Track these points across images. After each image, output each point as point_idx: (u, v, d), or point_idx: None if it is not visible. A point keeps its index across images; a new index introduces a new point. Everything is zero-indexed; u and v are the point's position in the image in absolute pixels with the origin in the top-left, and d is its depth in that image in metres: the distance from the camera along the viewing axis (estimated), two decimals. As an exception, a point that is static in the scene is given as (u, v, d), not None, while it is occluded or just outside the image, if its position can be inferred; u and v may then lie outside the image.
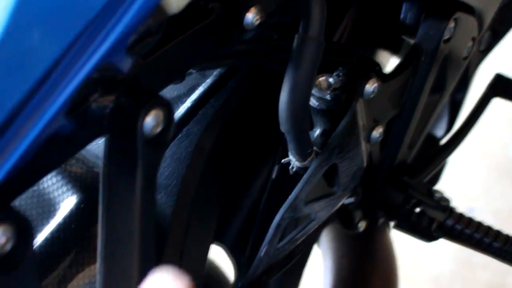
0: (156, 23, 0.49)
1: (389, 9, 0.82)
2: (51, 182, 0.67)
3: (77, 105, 0.48)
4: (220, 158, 0.75)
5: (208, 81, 0.74)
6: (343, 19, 0.78)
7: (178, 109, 0.73)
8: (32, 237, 0.44)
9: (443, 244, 1.73)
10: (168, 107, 0.52)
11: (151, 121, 0.50)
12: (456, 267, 1.64)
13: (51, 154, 0.48)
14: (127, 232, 0.52)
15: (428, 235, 0.85)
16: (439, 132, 1.09)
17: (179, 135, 0.72)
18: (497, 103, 1.02)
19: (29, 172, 0.47)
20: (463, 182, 1.73)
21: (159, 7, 0.48)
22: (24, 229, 0.43)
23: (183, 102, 0.74)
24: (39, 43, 0.42)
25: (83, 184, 0.67)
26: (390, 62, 1.17)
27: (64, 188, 0.66)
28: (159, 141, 0.52)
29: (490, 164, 1.77)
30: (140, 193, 0.52)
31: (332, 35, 0.78)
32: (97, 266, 0.52)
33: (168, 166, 0.71)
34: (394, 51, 1.03)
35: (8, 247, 0.43)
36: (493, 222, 1.54)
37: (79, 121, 0.49)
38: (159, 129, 0.51)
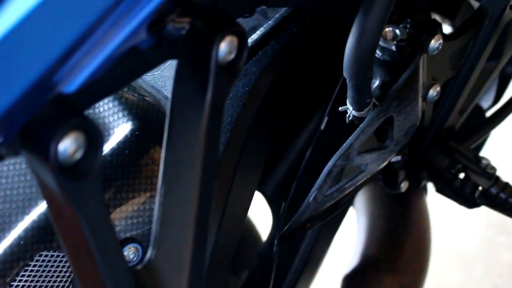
0: None
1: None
2: (107, 107, 0.67)
3: (156, 22, 0.48)
4: (274, 102, 0.74)
5: (270, 23, 0.73)
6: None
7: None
8: (101, 147, 0.44)
9: (469, 223, 1.72)
10: (243, 35, 0.51)
11: (225, 47, 0.50)
12: (480, 247, 1.64)
13: (127, 68, 0.48)
14: (191, 157, 0.52)
15: (470, 201, 0.85)
16: (485, 103, 1.08)
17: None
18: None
19: (103, 83, 0.46)
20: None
21: None
22: (94, 138, 0.43)
23: (243, 41, 0.73)
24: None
25: (138, 112, 0.67)
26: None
27: (120, 114, 0.66)
28: (231, 69, 0.51)
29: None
30: (208, 120, 0.51)
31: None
32: (158, 188, 0.52)
33: (225, 103, 0.70)
34: (450, 17, 1.01)
35: (79, 155, 0.42)
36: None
37: (157, 39, 0.48)
38: (232, 56, 0.51)
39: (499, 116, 0.97)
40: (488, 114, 1.04)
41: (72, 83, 0.43)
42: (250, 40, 0.73)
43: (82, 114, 0.43)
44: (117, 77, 0.48)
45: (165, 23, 0.49)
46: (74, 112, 0.42)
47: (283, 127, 0.84)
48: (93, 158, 0.43)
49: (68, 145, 0.41)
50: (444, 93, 0.81)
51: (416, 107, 0.72)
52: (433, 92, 0.75)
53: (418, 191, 0.99)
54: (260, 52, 0.72)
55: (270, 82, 0.72)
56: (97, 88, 0.46)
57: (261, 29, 0.74)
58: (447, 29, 1.03)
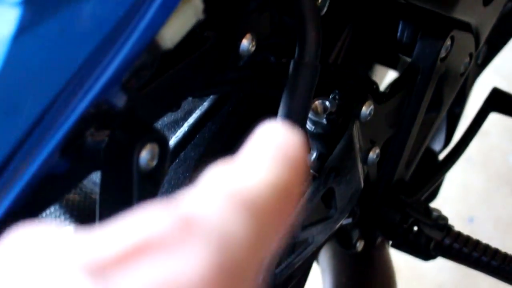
0: (151, 58, 0.49)
1: (385, 28, 0.82)
2: (49, 211, 0.67)
3: (72, 141, 0.48)
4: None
5: (205, 104, 0.74)
6: (338, 40, 0.78)
7: (175, 133, 0.73)
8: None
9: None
10: (163, 140, 0.52)
11: (146, 155, 0.50)
12: (458, 277, 1.64)
13: (48, 191, 0.48)
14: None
15: (426, 254, 0.85)
16: (437, 146, 1.09)
17: (177, 160, 0.72)
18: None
19: (26, 209, 0.47)
20: (463, 191, 1.73)
21: (153, 42, 0.48)
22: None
23: (180, 126, 0.74)
24: (32, 86, 0.42)
25: (81, 213, 0.67)
26: (388, 75, 1.17)
27: (62, 218, 0.66)
28: (155, 175, 0.52)
29: (490, 173, 1.77)
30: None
31: (328, 56, 0.78)
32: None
33: (166, 192, 0.71)
34: (392, 67, 1.03)
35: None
36: (494, 231, 1.55)
37: (75, 157, 0.49)
38: (154, 163, 0.51)
39: (449, 161, 0.98)
40: (441, 156, 1.06)
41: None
42: (186, 124, 0.74)
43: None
44: (41, 200, 0.48)
45: (84, 138, 0.50)
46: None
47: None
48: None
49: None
50: (387, 151, 0.82)
51: (356, 173, 0.73)
52: (373, 154, 0.76)
53: (380, 244, 0.99)
54: (197, 136, 0.73)
55: (210, 164, 0.72)
56: (21, 215, 0.47)
57: (197, 111, 0.74)
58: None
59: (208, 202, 0.28)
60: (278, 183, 0.30)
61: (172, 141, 0.73)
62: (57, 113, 0.44)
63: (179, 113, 0.74)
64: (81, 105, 0.45)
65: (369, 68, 1.04)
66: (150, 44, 0.47)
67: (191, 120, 0.74)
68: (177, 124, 0.74)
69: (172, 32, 0.48)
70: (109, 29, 0.44)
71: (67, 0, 0.41)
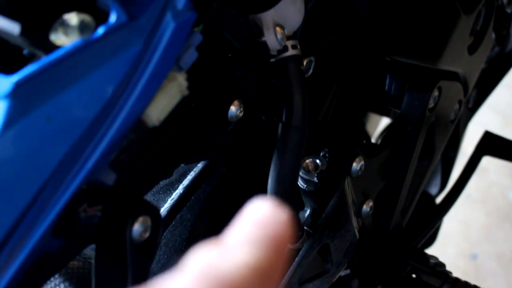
0: (138, 136, 0.51)
1: (373, 82, 0.84)
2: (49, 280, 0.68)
3: (65, 219, 0.50)
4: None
5: (199, 166, 0.76)
6: (327, 97, 0.80)
7: (170, 196, 0.75)
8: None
9: None
10: (155, 212, 0.53)
11: (139, 227, 0.52)
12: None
13: (44, 269, 0.49)
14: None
15: (426, 301, 0.86)
16: (434, 189, 1.11)
17: (173, 222, 0.73)
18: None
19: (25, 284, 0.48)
20: (465, 228, 1.74)
21: (140, 121, 0.50)
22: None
23: (175, 189, 0.75)
24: (23, 173, 0.43)
25: (80, 279, 0.68)
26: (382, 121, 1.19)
27: (62, 286, 0.67)
28: (148, 246, 0.53)
29: (490, 209, 1.78)
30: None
31: (317, 114, 0.79)
32: None
33: (164, 254, 0.72)
34: (385, 114, 1.04)
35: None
36: (497, 266, 1.54)
37: (69, 234, 0.50)
38: (147, 235, 0.53)
39: (445, 205, 0.99)
40: (437, 200, 1.07)
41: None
42: (181, 187, 0.75)
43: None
44: (37, 277, 0.50)
45: (77, 215, 0.51)
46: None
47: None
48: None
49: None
50: (381, 202, 0.83)
51: (351, 227, 0.74)
52: (367, 207, 0.77)
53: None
54: (192, 197, 0.74)
55: (207, 226, 0.74)
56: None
57: (191, 173, 0.76)
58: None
59: (183, 282, 0.30)
60: (257, 265, 0.32)
61: (168, 204, 0.74)
62: (48, 196, 0.46)
63: (174, 176, 0.76)
64: (71, 187, 0.47)
65: (363, 116, 1.05)
66: (136, 124, 0.49)
67: (185, 182, 0.75)
68: (172, 186, 0.76)
69: (158, 111, 0.50)
70: (95, 114, 0.45)
71: (53, 89, 0.43)
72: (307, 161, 0.71)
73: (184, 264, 0.31)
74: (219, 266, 0.31)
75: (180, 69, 0.51)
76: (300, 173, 0.71)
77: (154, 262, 0.65)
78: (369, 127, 1.12)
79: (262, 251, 0.32)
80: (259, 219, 0.34)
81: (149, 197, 0.75)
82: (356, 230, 0.76)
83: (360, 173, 0.73)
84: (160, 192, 0.76)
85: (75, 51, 0.44)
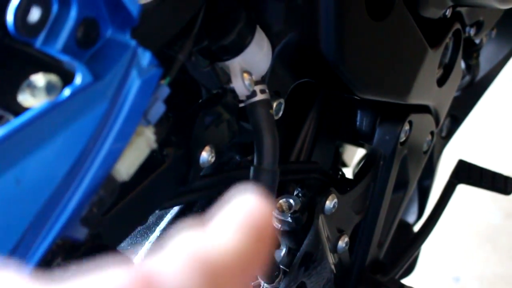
0: (108, 191, 0.51)
1: (344, 119, 0.85)
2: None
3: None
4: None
5: (175, 208, 0.76)
6: (299, 136, 0.81)
7: (147, 239, 0.75)
8: None
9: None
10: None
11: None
12: None
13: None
14: None
15: (405, 333, 0.87)
16: (411, 218, 1.12)
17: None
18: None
19: None
20: (447, 251, 1.75)
21: (110, 176, 0.50)
22: None
23: (152, 232, 0.76)
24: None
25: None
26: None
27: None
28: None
29: (470, 231, 1.79)
30: None
31: (290, 154, 0.80)
32: None
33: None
34: (359, 146, 1.05)
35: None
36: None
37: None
38: None
39: (422, 235, 1.00)
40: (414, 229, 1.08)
41: None
42: (158, 229, 0.76)
43: None
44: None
45: (51, 268, 0.52)
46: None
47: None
48: None
49: None
50: (357, 236, 0.84)
51: (327, 264, 0.75)
52: (342, 243, 0.78)
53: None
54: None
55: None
56: None
57: (168, 216, 0.76)
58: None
59: (169, 264, 0.30)
60: (240, 251, 0.32)
61: (146, 247, 0.75)
62: (21, 254, 0.46)
63: (150, 219, 0.76)
64: (42, 246, 0.47)
65: (339, 146, 1.06)
66: (106, 180, 0.50)
67: (162, 225, 0.76)
68: (149, 229, 0.76)
69: (127, 166, 0.51)
70: (64, 174, 0.46)
71: (22, 152, 0.44)
72: (281, 201, 0.72)
73: (171, 247, 0.32)
74: (205, 249, 0.31)
75: (148, 122, 0.52)
76: (274, 214, 0.72)
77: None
78: (346, 156, 1.13)
79: (247, 238, 0.33)
80: (244, 206, 0.34)
81: (126, 240, 0.76)
82: (332, 266, 0.77)
83: (333, 210, 0.74)
84: (138, 236, 0.76)
85: (43, 113, 0.45)
